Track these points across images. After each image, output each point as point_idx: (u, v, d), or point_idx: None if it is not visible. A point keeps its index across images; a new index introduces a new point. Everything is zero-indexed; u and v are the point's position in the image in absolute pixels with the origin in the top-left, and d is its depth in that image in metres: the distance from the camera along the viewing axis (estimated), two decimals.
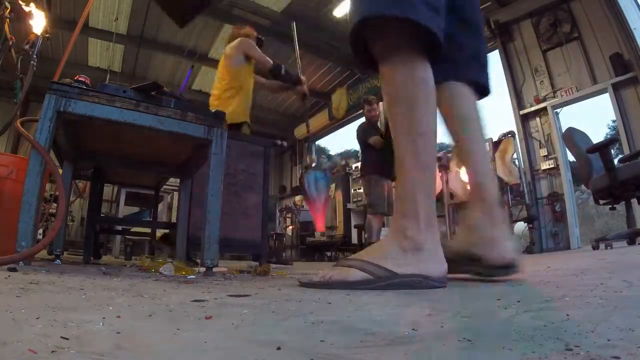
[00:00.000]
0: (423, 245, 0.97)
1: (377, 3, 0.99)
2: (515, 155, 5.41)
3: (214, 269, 1.86)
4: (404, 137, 1.02)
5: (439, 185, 5.90)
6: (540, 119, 5.81)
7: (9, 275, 1.17)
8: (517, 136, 5.64)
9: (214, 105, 3.14)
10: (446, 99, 1.22)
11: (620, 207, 3.33)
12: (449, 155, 5.84)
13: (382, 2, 0.98)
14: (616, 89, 5.07)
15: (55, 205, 2.56)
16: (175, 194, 5.50)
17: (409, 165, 1.01)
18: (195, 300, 0.85)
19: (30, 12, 2.16)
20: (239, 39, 3.23)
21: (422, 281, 0.96)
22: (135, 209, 5.71)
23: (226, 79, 3.17)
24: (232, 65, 3.16)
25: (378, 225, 4.47)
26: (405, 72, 1.02)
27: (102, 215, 3.48)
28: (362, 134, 4.66)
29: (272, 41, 7.52)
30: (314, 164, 3.40)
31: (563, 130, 4.24)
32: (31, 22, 2.19)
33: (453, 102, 1.23)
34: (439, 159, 5.99)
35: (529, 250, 5.03)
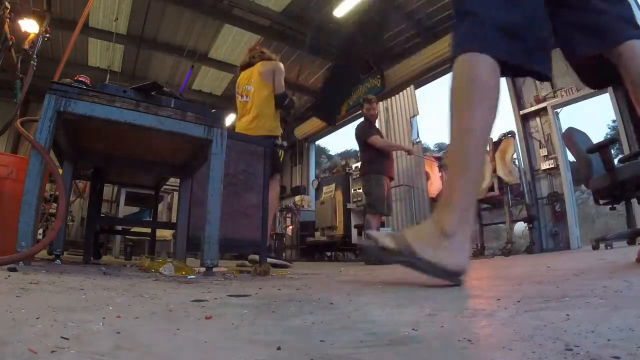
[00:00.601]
0: (452, 238, 1.00)
1: (464, 40, 1.12)
2: (515, 155, 5.41)
3: (214, 269, 1.86)
4: (455, 132, 1.08)
5: (439, 185, 5.90)
6: (540, 118, 5.80)
7: (9, 275, 1.17)
8: (517, 136, 5.63)
9: (261, 124, 3.29)
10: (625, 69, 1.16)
11: (620, 207, 3.32)
12: None
13: (467, 40, 1.11)
14: (616, 89, 5.07)
15: (55, 205, 2.56)
16: (175, 194, 5.50)
17: (456, 159, 1.06)
18: (195, 300, 0.85)
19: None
20: (277, 63, 3.47)
21: (431, 269, 1.00)
22: (135, 209, 5.71)
23: (267, 97, 3.33)
24: (268, 82, 3.37)
25: (376, 225, 4.47)
26: (465, 72, 1.09)
27: (102, 215, 3.48)
28: (362, 133, 4.65)
29: (272, 41, 7.54)
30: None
31: (563, 130, 4.24)
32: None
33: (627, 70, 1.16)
34: (439, 159, 5.99)
35: (529, 250, 5.03)
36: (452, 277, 1.01)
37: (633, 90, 1.15)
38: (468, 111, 1.06)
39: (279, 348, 0.44)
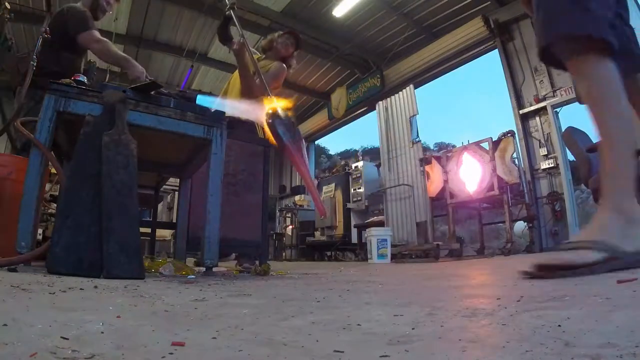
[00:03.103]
0: (638, 215, 0.99)
1: (574, 23, 1.15)
2: (515, 155, 5.41)
3: (214, 269, 1.87)
4: (602, 126, 1.12)
5: (439, 185, 5.90)
6: (540, 118, 5.80)
7: (9, 276, 1.17)
8: (517, 135, 5.63)
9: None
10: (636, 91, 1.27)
11: None
12: (449, 154, 5.84)
13: (577, 22, 1.14)
14: None
15: (55, 205, 2.56)
16: (175, 194, 5.49)
17: (610, 147, 1.09)
18: (195, 300, 0.85)
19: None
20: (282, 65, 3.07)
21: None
22: None
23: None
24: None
25: None
26: (592, 73, 1.15)
27: None
28: None
29: None
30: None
31: (563, 130, 4.24)
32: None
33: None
34: (439, 158, 5.99)
35: (528, 249, 5.03)
36: None
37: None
38: (606, 104, 1.12)
39: (279, 348, 0.44)
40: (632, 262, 0.95)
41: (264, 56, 3.20)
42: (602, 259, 0.96)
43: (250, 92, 2.77)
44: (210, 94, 9.69)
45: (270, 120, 1.81)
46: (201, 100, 1.98)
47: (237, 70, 3.06)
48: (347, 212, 7.60)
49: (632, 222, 0.98)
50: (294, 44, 3.10)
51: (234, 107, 2.61)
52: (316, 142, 11.74)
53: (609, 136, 1.12)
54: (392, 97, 6.89)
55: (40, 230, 2.33)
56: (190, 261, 2.75)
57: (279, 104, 1.87)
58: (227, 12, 2.89)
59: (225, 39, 3.03)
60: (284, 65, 3.02)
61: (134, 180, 1.56)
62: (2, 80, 4.34)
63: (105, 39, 2.43)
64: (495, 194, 4.99)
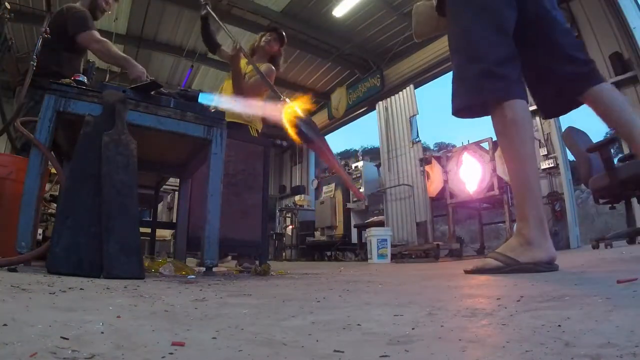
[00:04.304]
0: (533, 240, 1.32)
1: (466, 96, 1.47)
2: None
3: (214, 269, 1.87)
4: (510, 163, 1.43)
5: (439, 185, 5.90)
6: (540, 118, 5.80)
7: (9, 276, 1.17)
8: None
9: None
10: (595, 103, 1.52)
11: (620, 206, 3.32)
12: (449, 154, 5.84)
13: (468, 95, 1.46)
14: (616, 88, 5.07)
15: (55, 205, 2.56)
16: (176, 194, 5.49)
17: (517, 184, 1.40)
18: (195, 300, 0.85)
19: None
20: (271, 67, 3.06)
21: (533, 267, 1.29)
22: None
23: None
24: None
25: None
26: (498, 118, 1.43)
27: None
28: None
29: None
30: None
31: (562, 130, 4.24)
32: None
33: (596, 106, 1.52)
34: (439, 158, 5.99)
35: None
36: (549, 266, 1.32)
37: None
38: (513, 144, 1.40)
39: (279, 348, 0.44)
40: (526, 268, 1.29)
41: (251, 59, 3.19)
42: (502, 265, 1.34)
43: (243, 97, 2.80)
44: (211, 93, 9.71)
45: (292, 121, 1.88)
46: (204, 98, 1.99)
47: (229, 74, 3.02)
48: (347, 212, 7.59)
49: (528, 243, 1.33)
50: (277, 39, 3.10)
51: (243, 105, 2.65)
52: None
53: (516, 176, 1.40)
54: (392, 97, 6.89)
55: (40, 230, 2.33)
56: (192, 262, 2.76)
57: (295, 104, 1.91)
58: (203, 12, 2.69)
59: (213, 46, 2.93)
60: (272, 66, 3.01)
61: (134, 180, 1.56)
62: (2, 80, 4.35)
63: (105, 39, 2.43)
64: (495, 194, 4.99)
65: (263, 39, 3.08)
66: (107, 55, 2.41)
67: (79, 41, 2.35)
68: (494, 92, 1.40)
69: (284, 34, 3.17)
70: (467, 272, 1.50)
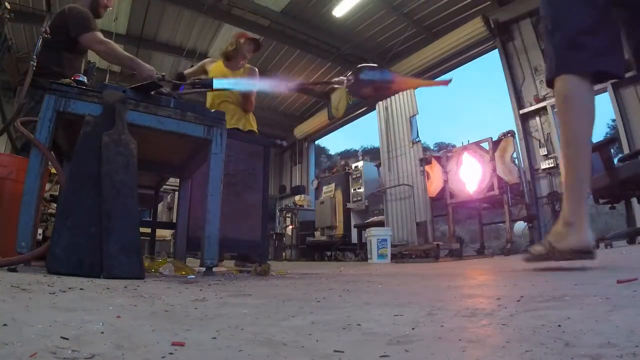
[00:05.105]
0: (571, 222, 1.29)
1: (564, 64, 1.38)
2: (515, 155, 5.41)
3: (214, 269, 1.86)
4: (566, 151, 1.38)
5: (439, 185, 5.90)
6: (540, 118, 5.80)
7: (9, 276, 1.17)
8: (517, 135, 5.62)
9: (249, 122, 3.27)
10: None
11: (620, 206, 3.32)
12: (449, 154, 5.84)
13: (566, 64, 1.37)
14: (616, 88, 5.06)
15: (55, 205, 2.56)
16: (176, 194, 5.49)
17: (563, 161, 1.38)
18: (195, 300, 0.85)
19: None
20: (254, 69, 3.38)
21: (568, 255, 1.27)
22: None
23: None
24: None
25: None
26: (560, 92, 1.38)
27: None
28: None
29: (271, 41, 7.53)
30: None
31: None
32: None
33: None
34: (439, 158, 5.99)
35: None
36: (582, 255, 1.27)
37: None
38: (568, 123, 1.37)
39: (279, 348, 0.44)
40: (562, 257, 1.29)
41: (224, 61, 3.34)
42: (544, 252, 1.33)
43: (250, 104, 3.23)
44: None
45: (355, 77, 1.96)
46: (218, 83, 2.05)
47: (223, 72, 3.19)
48: (347, 212, 7.59)
49: (566, 225, 1.29)
50: (255, 49, 3.41)
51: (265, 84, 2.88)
52: (316, 142, 11.73)
53: (565, 156, 1.38)
54: (392, 97, 6.89)
55: (40, 230, 2.33)
56: (195, 262, 2.75)
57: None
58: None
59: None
60: (255, 68, 3.37)
61: (134, 180, 1.56)
62: (3, 80, 4.35)
63: (108, 40, 2.42)
64: (495, 194, 4.99)
65: (246, 47, 3.29)
66: (111, 56, 2.40)
67: (81, 42, 2.35)
68: (567, 69, 1.35)
69: (261, 44, 3.51)
70: (524, 260, 1.50)
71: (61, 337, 0.45)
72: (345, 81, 2.00)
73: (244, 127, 3.18)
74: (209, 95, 3.27)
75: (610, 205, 3.35)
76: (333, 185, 8.01)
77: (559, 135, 5.42)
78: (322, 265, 4.75)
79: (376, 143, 7.73)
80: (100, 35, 2.38)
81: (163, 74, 2.24)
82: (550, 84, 1.43)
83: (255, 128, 3.27)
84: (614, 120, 5.66)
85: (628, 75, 1.56)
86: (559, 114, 1.40)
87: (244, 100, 3.19)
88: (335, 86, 2.26)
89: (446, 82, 2.07)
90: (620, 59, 1.41)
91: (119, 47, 2.49)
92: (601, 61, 1.34)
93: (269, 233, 8.25)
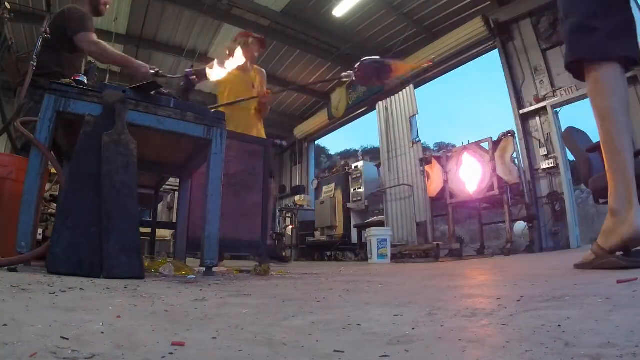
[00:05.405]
0: (618, 211, 1.20)
1: (576, 48, 1.38)
2: (515, 155, 5.40)
3: (214, 269, 1.86)
4: (600, 129, 1.31)
5: (439, 185, 5.90)
6: (540, 118, 5.79)
7: (9, 276, 1.17)
8: (517, 135, 5.62)
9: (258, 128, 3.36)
10: None
11: None
12: (449, 154, 5.84)
13: (578, 47, 1.37)
14: None
15: (55, 205, 2.56)
16: (176, 194, 5.48)
17: (606, 151, 1.29)
18: (195, 300, 0.85)
19: None
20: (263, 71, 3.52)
21: (616, 261, 1.17)
22: None
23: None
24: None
25: None
26: (592, 81, 1.35)
27: None
28: None
29: (271, 41, 7.53)
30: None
31: (563, 130, 4.23)
32: None
33: None
34: (439, 158, 5.99)
35: (528, 249, 5.03)
36: (637, 243, 1.17)
37: None
38: (604, 110, 1.30)
39: (279, 348, 0.44)
40: (610, 261, 1.18)
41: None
42: (594, 257, 1.24)
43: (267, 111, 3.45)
44: (210, 94, 9.72)
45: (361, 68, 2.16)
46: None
47: (235, 74, 3.16)
48: (347, 212, 7.59)
49: (613, 215, 1.19)
50: (261, 48, 3.61)
51: None
52: (316, 142, 11.72)
53: (604, 141, 1.29)
54: (392, 97, 6.88)
55: (40, 230, 2.33)
56: (195, 262, 2.75)
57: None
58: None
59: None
60: (263, 70, 3.56)
61: (134, 180, 1.56)
62: (3, 80, 4.35)
63: (100, 40, 2.41)
64: (495, 194, 4.99)
65: (253, 46, 3.44)
66: (105, 56, 2.40)
67: (75, 42, 2.35)
68: (580, 52, 1.35)
69: (266, 43, 3.70)
70: (576, 266, 1.42)
71: (61, 337, 0.45)
72: (354, 73, 2.20)
73: (258, 134, 3.28)
74: (226, 100, 3.32)
75: None
76: (333, 185, 8.01)
77: (559, 135, 5.42)
78: (322, 265, 4.75)
79: (376, 143, 7.74)
80: (93, 36, 2.38)
81: (157, 69, 2.24)
82: (568, 68, 1.44)
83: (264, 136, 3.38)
84: None
85: (628, 75, 1.55)
86: (590, 99, 1.36)
87: (263, 108, 3.34)
88: (344, 80, 2.42)
89: (430, 61, 2.28)
90: (635, 44, 1.39)
91: (111, 48, 2.48)
92: (614, 44, 1.32)
93: (269, 233, 8.23)
